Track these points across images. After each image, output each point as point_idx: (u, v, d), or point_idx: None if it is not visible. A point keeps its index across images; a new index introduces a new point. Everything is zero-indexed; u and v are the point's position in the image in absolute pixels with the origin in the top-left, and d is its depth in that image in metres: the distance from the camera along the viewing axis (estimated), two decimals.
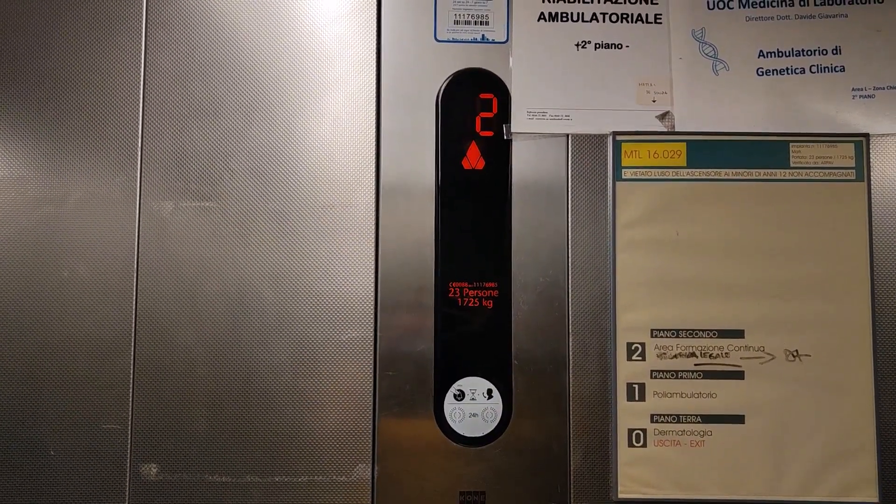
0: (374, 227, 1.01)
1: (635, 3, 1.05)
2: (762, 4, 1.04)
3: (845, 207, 1.00)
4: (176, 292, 0.99)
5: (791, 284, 0.99)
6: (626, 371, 0.99)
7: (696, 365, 0.99)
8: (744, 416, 0.98)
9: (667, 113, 1.03)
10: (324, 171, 1.01)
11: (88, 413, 0.98)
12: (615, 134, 1.02)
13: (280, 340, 0.99)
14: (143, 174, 1.02)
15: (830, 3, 1.04)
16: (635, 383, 0.99)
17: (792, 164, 1.01)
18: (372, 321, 0.99)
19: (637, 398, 0.99)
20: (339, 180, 1.01)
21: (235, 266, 1.00)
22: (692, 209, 1.01)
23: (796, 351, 0.99)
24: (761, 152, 1.01)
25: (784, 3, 1.04)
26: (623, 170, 1.02)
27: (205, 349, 0.99)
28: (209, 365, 0.98)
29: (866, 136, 1.01)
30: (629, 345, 0.99)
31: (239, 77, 1.02)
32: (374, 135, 1.02)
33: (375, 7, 1.04)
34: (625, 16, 1.04)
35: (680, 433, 0.98)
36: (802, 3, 1.04)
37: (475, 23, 1.04)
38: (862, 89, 1.02)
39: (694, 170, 1.01)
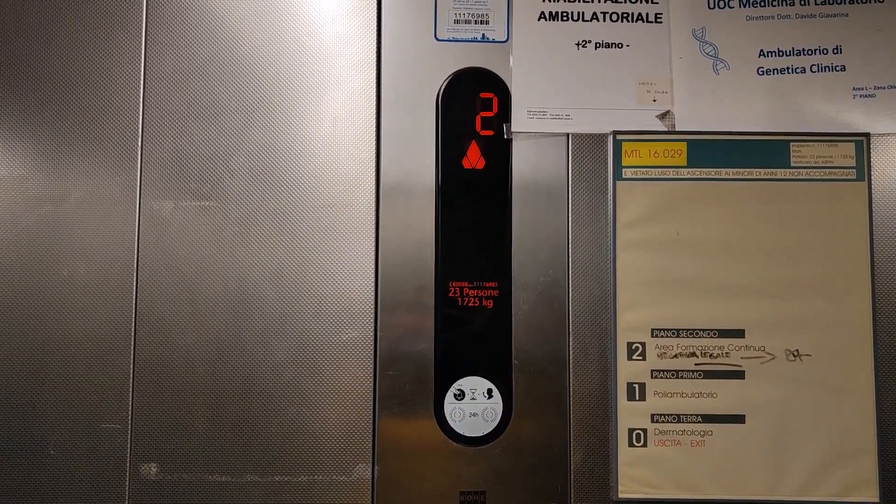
0: (374, 227, 1.01)
1: (636, 2, 1.05)
2: (763, 4, 1.04)
3: (846, 207, 1.00)
4: (176, 292, 0.99)
5: (791, 284, 0.99)
6: (627, 371, 0.99)
7: (696, 365, 0.99)
8: (744, 415, 0.98)
9: (667, 112, 1.03)
10: (324, 171, 1.01)
11: (88, 412, 0.98)
12: (615, 133, 1.02)
13: (280, 340, 0.99)
14: (143, 174, 1.02)
15: (831, 2, 1.04)
16: (636, 383, 0.99)
17: (792, 164, 1.01)
18: (372, 321, 0.99)
19: (637, 398, 0.99)
20: (340, 180, 1.01)
21: (235, 266, 1.00)
22: (692, 209, 1.01)
23: (797, 351, 0.99)
24: (762, 152, 1.01)
25: (785, 3, 1.04)
26: (623, 169, 1.02)
27: (205, 349, 0.99)
28: (209, 364, 0.98)
29: (867, 135, 1.01)
30: (629, 344, 0.99)
31: (239, 77, 1.02)
32: (374, 134, 1.02)
33: (375, 6, 1.04)
34: (625, 15, 1.04)
35: (680, 433, 0.98)
36: (803, 2, 1.04)
37: (475, 22, 1.04)
38: (862, 89, 1.02)
39: (694, 169, 1.01)
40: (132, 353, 0.99)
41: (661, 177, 1.01)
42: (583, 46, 1.03)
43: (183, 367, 0.98)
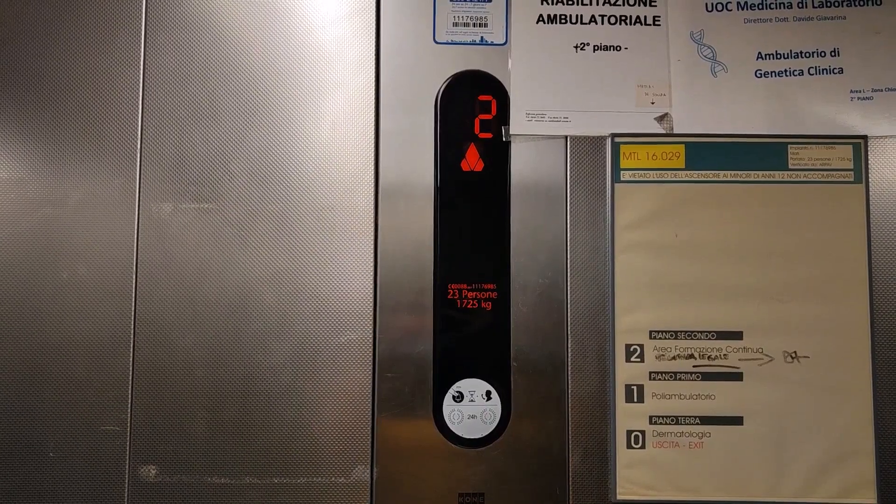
0: (373, 229, 1.01)
1: (634, 5, 1.05)
2: (760, 6, 1.04)
3: (844, 209, 1.00)
4: (175, 294, 0.99)
5: (789, 286, 0.99)
6: (625, 373, 0.99)
7: (694, 366, 0.99)
8: (742, 417, 0.98)
9: (665, 115, 1.03)
10: (323, 173, 1.02)
11: (87, 415, 0.98)
12: (614, 136, 1.02)
13: (279, 342, 0.99)
14: (142, 176, 1.02)
15: (829, 4, 1.04)
16: (634, 385, 0.99)
17: (790, 166, 1.01)
18: (371, 323, 1.00)
19: (636, 400, 0.99)
20: (339, 182, 1.01)
21: (235, 268, 1.00)
22: (691, 211, 1.01)
23: (795, 352, 0.99)
24: (760, 154, 1.02)
25: (782, 5, 1.04)
26: (622, 171, 1.02)
27: (204, 351, 0.99)
28: (208, 366, 0.99)
29: (865, 137, 1.02)
30: (628, 346, 0.99)
31: (238, 79, 1.03)
32: (373, 136, 1.02)
33: (374, 9, 1.04)
34: (623, 18, 1.05)
35: (678, 435, 0.98)
36: (801, 5, 1.04)
37: (474, 25, 1.04)
38: (860, 91, 1.03)
39: (692, 171, 1.02)
40: (131, 354, 0.99)
41: (660, 179, 1.02)
42: (581, 49, 1.04)
43: (182, 369, 0.98)
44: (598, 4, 1.05)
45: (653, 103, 1.03)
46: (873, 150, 1.02)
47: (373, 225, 1.01)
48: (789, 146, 1.02)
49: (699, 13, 1.05)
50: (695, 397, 0.99)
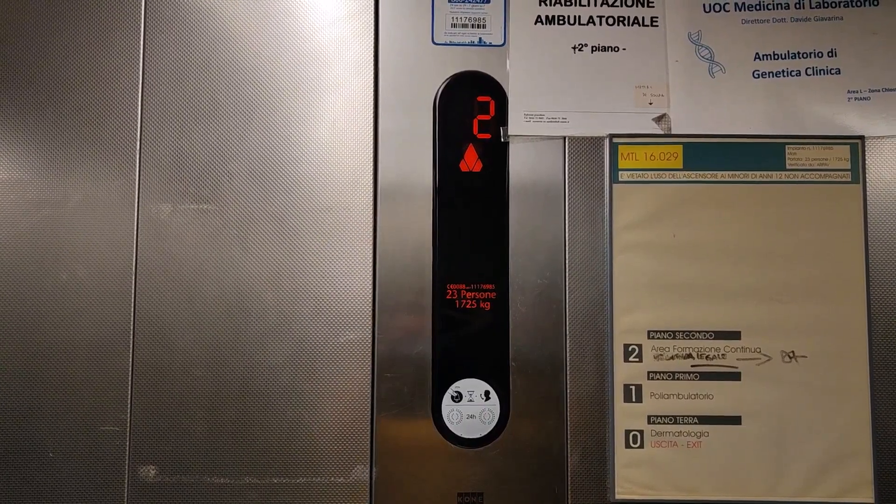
0: (371, 230, 1.01)
1: (632, 6, 1.05)
2: (758, 7, 1.05)
3: (841, 209, 1.01)
4: (175, 294, 1.00)
5: (787, 286, 1.00)
6: (624, 372, 0.99)
7: (692, 366, 0.99)
8: (740, 417, 0.98)
9: (663, 115, 1.03)
10: (322, 174, 1.02)
11: (87, 415, 0.98)
12: (612, 136, 1.02)
13: (278, 342, 0.99)
14: (141, 176, 1.02)
15: (826, 5, 1.04)
16: (632, 385, 0.99)
17: (788, 166, 1.02)
18: (370, 323, 1.00)
19: (634, 399, 0.99)
20: (338, 182, 1.02)
21: (234, 268, 1.00)
22: (689, 211, 1.01)
23: (792, 352, 0.99)
24: (757, 154, 1.02)
25: (780, 6, 1.05)
26: (620, 172, 1.02)
27: (203, 351, 0.99)
28: (208, 367, 0.99)
29: (862, 138, 1.02)
30: (626, 346, 1.00)
31: (238, 79, 1.03)
32: (371, 137, 1.02)
33: (373, 10, 1.04)
34: (621, 19, 1.05)
35: (677, 434, 0.98)
36: (798, 5, 1.05)
37: (472, 26, 1.04)
38: (857, 91, 1.03)
39: (690, 172, 1.02)
40: (131, 355, 0.99)
41: (658, 179, 1.02)
42: (579, 50, 1.04)
43: (181, 370, 0.99)
44: (596, 5, 1.05)
45: (651, 104, 1.03)
46: (870, 151, 1.02)
47: (372, 225, 1.01)
48: (787, 146, 1.02)
49: (697, 14, 1.05)
50: (693, 397, 0.99)
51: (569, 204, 1.02)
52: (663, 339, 1.00)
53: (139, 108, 1.03)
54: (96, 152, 1.02)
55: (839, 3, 1.04)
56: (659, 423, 0.99)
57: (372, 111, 1.03)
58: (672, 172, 1.02)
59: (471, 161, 1.03)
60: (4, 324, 1.00)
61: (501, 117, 1.03)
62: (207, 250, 1.00)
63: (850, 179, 1.01)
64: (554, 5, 1.05)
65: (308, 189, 1.01)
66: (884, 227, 1.01)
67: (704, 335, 1.00)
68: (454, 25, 1.04)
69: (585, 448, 0.99)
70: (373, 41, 1.04)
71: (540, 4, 1.05)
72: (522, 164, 1.03)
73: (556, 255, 1.02)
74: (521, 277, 1.01)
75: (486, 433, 0.99)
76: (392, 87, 1.03)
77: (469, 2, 1.04)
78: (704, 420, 0.99)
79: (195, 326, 0.99)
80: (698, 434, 0.98)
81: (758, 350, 0.99)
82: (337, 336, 0.99)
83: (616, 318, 1.00)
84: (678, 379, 0.99)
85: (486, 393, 1.00)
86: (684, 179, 1.02)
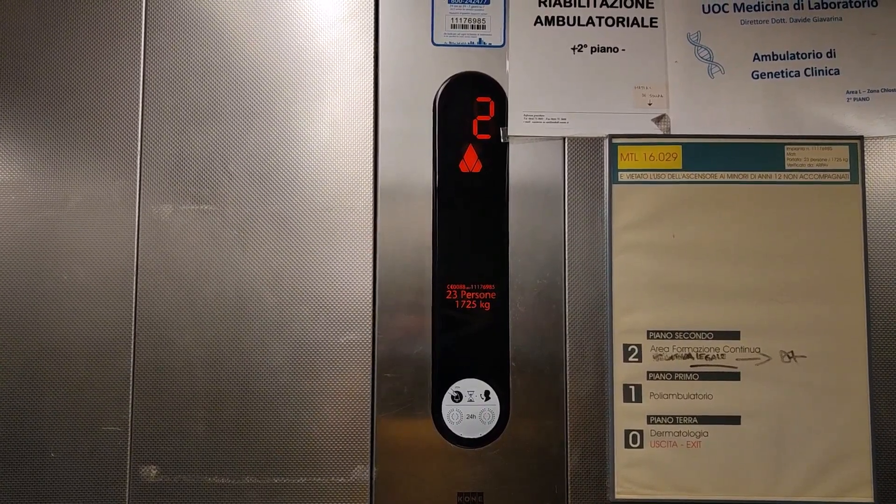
0: (371, 230, 1.01)
1: (631, 7, 1.05)
2: (757, 8, 1.05)
3: (840, 209, 1.01)
4: (175, 295, 1.00)
5: (786, 286, 1.00)
6: (623, 372, 0.99)
7: (692, 366, 1.00)
8: (739, 416, 0.98)
9: (663, 116, 1.03)
10: (322, 174, 1.02)
11: (88, 415, 0.99)
12: (611, 137, 1.03)
13: (279, 342, 0.99)
14: (142, 178, 1.02)
15: (825, 6, 1.04)
16: (632, 384, 0.99)
17: (787, 167, 1.02)
18: (370, 323, 1.00)
19: (634, 399, 0.99)
20: (338, 183, 1.02)
21: (234, 269, 1.01)
22: (688, 211, 1.01)
23: (792, 352, 0.99)
24: (756, 155, 1.02)
25: (779, 7, 1.05)
26: (619, 172, 1.02)
27: (204, 351, 0.99)
28: (209, 367, 0.99)
29: (861, 138, 1.02)
30: (626, 346, 1.00)
31: (238, 81, 1.03)
32: (371, 138, 1.03)
33: (373, 11, 1.04)
34: (621, 20, 1.05)
35: (676, 434, 0.98)
36: (797, 6, 1.05)
37: (472, 27, 1.04)
38: (856, 92, 1.03)
39: (689, 172, 1.02)
40: (132, 355, 0.99)
41: (657, 180, 1.02)
42: (579, 51, 1.04)
43: (182, 370, 0.99)
44: (595, 6, 1.05)
45: (650, 104, 1.03)
46: (869, 151, 1.03)
47: (372, 226, 1.01)
48: (786, 147, 1.02)
49: (696, 15, 1.05)
50: (692, 397, 0.99)
51: (568, 204, 1.02)
52: (663, 339, 1.00)
53: (140, 109, 1.03)
54: (97, 153, 1.02)
55: (838, 3, 1.04)
56: (658, 423, 0.99)
57: (372, 112, 1.03)
58: (671, 173, 1.02)
59: (470, 161, 1.03)
60: (6, 324, 1.00)
61: (501, 118, 1.03)
62: (208, 251, 1.01)
63: (849, 180, 1.02)
64: (553, 6, 1.05)
65: (308, 189, 1.02)
66: (883, 228, 1.01)
67: (704, 335, 1.00)
68: (454, 26, 1.04)
69: (585, 448, 0.99)
70: (373, 42, 1.04)
71: (539, 5, 1.05)
72: (522, 165, 1.03)
73: (556, 256, 1.02)
74: (520, 277, 1.01)
75: (486, 433, 1.00)
76: (392, 87, 1.03)
77: (469, 3, 1.05)
78: (704, 420, 0.99)
79: (196, 326, 0.99)
80: (698, 434, 0.99)
81: (757, 350, 0.99)
82: (337, 336, 1.00)
83: (616, 318, 1.00)
84: (678, 379, 0.99)
85: (486, 393, 1.00)
86: (683, 180, 1.02)
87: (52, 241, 1.01)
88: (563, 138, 1.03)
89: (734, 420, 0.99)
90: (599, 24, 1.05)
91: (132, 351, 0.99)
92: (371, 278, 1.01)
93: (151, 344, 0.99)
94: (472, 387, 1.00)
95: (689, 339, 1.00)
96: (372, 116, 1.03)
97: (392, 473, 0.99)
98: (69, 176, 1.02)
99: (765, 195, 1.01)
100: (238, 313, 1.00)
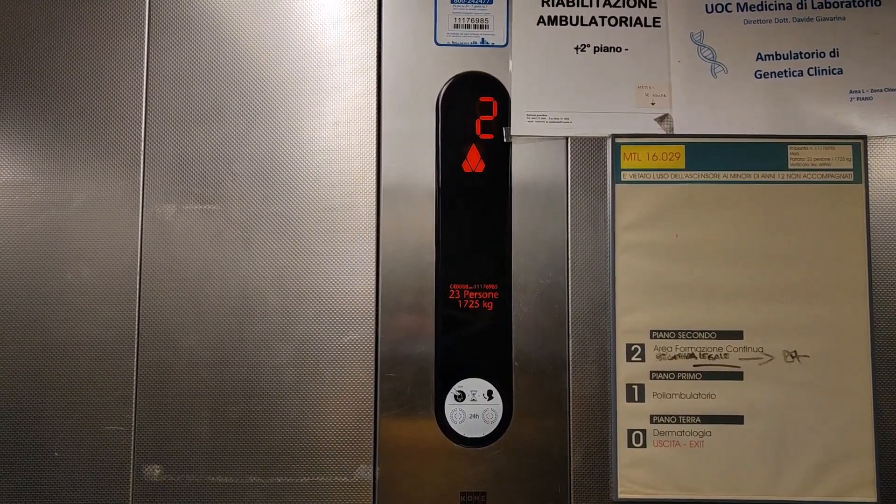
0: (374, 230, 1.01)
1: (634, 6, 1.05)
2: (760, 7, 1.05)
3: (843, 209, 1.01)
4: (179, 295, 1.00)
5: (789, 286, 1.00)
6: (626, 372, 1.00)
7: (695, 366, 1.00)
8: (743, 416, 0.98)
9: (665, 115, 1.03)
10: (325, 174, 1.02)
11: (92, 415, 0.99)
12: (614, 136, 1.03)
13: (282, 342, 1.00)
14: (145, 177, 1.02)
15: (828, 5, 1.04)
16: (635, 384, 1.00)
17: (790, 166, 1.02)
18: (373, 323, 1.00)
19: (636, 399, 0.99)
20: (341, 183, 1.02)
21: (238, 268, 1.01)
22: (691, 211, 1.01)
23: (795, 352, 0.99)
24: (759, 154, 1.02)
25: (782, 6, 1.05)
26: (622, 172, 1.02)
27: (208, 351, 0.99)
28: (212, 367, 0.99)
29: (864, 138, 1.02)
30: (629, 346, 1.00)
31: (241, 81, 1.03)
32: (374, 138, 1.03)
33: (376, 11, 1.04)
34: (623, 19, 1.05)
35: (679, 434, 0.99)
36: (800, 6, 1.05)
37: (475, 26, 1.04)
38: (860, 91, 1.03)
39: (692, 172, 1.02)
40: (135, 355, 0.99)
41: (660, 180, 1.02)
42: (582, 50, 1.04)
43: (186, 370, 0.99)
44: (598, 6, 1.05)
45: (653, 104, 1.03)
46: (872, 151, 1.03)
47: (374, 226, 1.01)
48: (789, 146, 1.02)
49: (699, 14, 1.05)
50: (695, 396, 0.99)
51: (571, 204, 1.02)
52: (666, 338, 1.00)
53: (143, 109, 1.03)
54: (101, 153, 1.02)
55: (841, 3, 1.04)
56: (661, 422, 0.99)
57: (375, 112, 1.03)
58: (674, 172, 1.02)
59: (473, 161, 1.03)
60: (10, 324, 1.00)
61: (504, 118, 1.03)
62: (211, 251, 1.01)
63: (852, 179, 1.02)
64: (556, 6, 1.05)
65: (311, 190, 1.02)
66: (886, 227, 1.01)
67: (707, 335, 1.00)
68: (457, 26, 1.04)
69: (588, 447, 0.99)
70: (375, 42, 1.04)
71: (542, 5, 1.05)
72: (525, 165, 1.03)
73: (559, 255, 1.02)
74: (523, 277, 1.02)
75: (488, 432, 1.00)
76: (395, 87, 1.03)
77: (472, 2, 1.05)
78: (707, 419, 0.99)
79: (199, 326, 1.00)
80: (701, 433, 0.99)
81: (760, 350, 0.99)
82: (340, 336, 1.00)
83: (618, 317, 1.00)
84: (681, 378, 0.99)
85: (489, 392, 1.00)
86: (686, 179, 1.02)
87: (56, 241, 1.01)
88: (566, 138, 1.03)
89: (737, 420, 0.99)
90: (602, 24, 1.05)
91: (136, 350, 0.99)
92: (374, 278, 1.01)
93: (155, 343, 0.99)
94: (474, 386, 1.00)
95: (692, 338, 1.00)
96: (375, 116, 1.03)
97: (395, 473, 0.99)
98: (73, 176, 1.02)
99: (768, 195, 1.01)
100: (242, 313, 1.00)
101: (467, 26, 1.04)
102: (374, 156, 1.02)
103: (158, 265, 1.01)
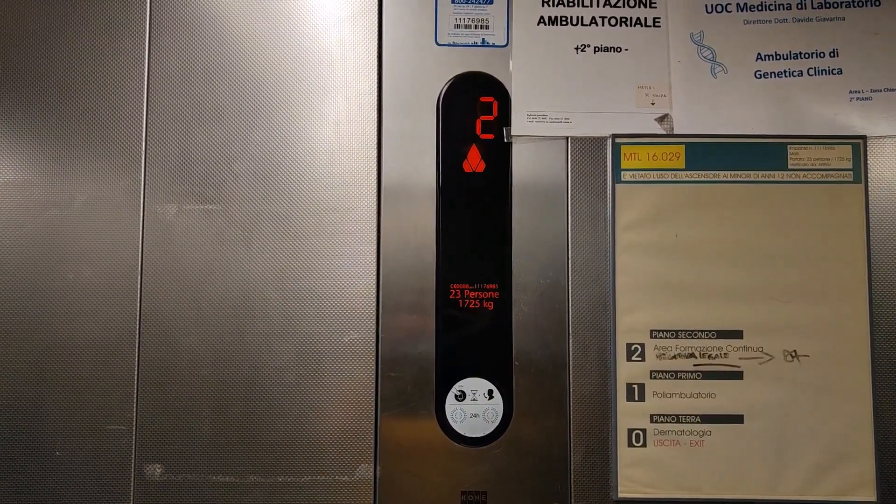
0: (375, 230, 1.02)
1: (634, 6, 1.05)
2: (760, 8, 1.05)
3: (843, 209, 1.01)
4: (180, 294, 1.00)
5: (789, 285, 1.00)
6: (626, 372, 1.00)
7: (695, 365, 1.00)
8: (743, 415, 0.99)
9: (665, 115, 1.04)
10: (326, 174, 1.02)
11: (93, 414, 0.99)
12: (614, 136, 1.03)
13: (283, 342, 1.00)
14: (147, 177, 1.03)
15: (828, 6, 1.05)
16: (635, 384, 1.00)
17: (790, 166, 1.02)
18: (374, 323, 1.00)
19: (637, 398, 0.99)
20: (342, 183, 1.02)
21: (238, 268, 1.01)
22: (691, 211, 1.01)
23: (794, 351, 0.99)
24: (759, 154, 1.02)
25: (781, 7, 1.05)
26: (622, 172, 1.02)
27: (209, 351, 1.00)
28: (213, 366, 0.99)
29: (864, 138, 1.02)
30: (629, 345, 1.00)
31: (242, 81, 1.03)
32: (375, 138, 1.03)
33: (377, 11, 1.05)
34: (624, 19, 1.05)
35: (679, 433, 0.99)
36: (800, 6, 1.05)
37: (475, 27, 1.05)
38: (859, 92, 1.03)
39: (692, 172, 1.02)
40: (136, 355, 1.00)
41: (660, 179, 1.02)
42: (582, 51, 1.04)
43: (187, 369, 0.99)
44: (598, 6, 1.05)
45: (653, 104, 1.04)
46: (872, 151, 1.03)
47: (375, 225, 1.02)
48: (789, 146, 1.02)
49: (699, 14, 1.05)
50: (695, 396, 0.99)
51: (571, 204, 1.03)
52: (666, 338, 1.00)
53: (144, 109, 1.03)
54: (102, 153, 1.03)
55: (841, 3, 1.05)
56: (662, 422, 0.99)
57: (375, 112, 1.03)
58: (674, 172, 1.02)
59: (474, 161, 1.03)
60: (12, 323, 1.00)
61: (504, 118, 1.04)
62: (212, 250, 1.01)
63: (851, 179, 1.02)
64: (556, 6, 1.05)
65: (312, 189, 1.02)
66: (886, 227, 1.01)
67: (707, 334, 1.00)
68: (457, 26, 1.04)
69: (588, 447, 0.99)
70: (376, 42, 1.04)
71: (543, 5, 1.05)
72: (525, 165, 1.03)
73: (559, 255, 1.02)
74: (523, 277, 1.02)
75: (489, 432, 1.00)
76: (395, 87, 1.04)
77: (472, 3, 1.05)
78: (707, 419, 0.99)
79: (200, 326, 1.00)
80: (701, 433, 0.99)
81: (760, 349, 1.00)
82: (341, 336, 1.00)
83: (618, 317, 1.00)
84: (681, 378, 1.00)
85: (490, 392, 1.00)
86: (686, 179, 1.02)
87: (58, 241, 1.01)
88: (567, 138, 1.03)
89: (737, 419, 0.99)
90: (602, 24, 1.05)
91: (137, 350, 1.00)
92: (375, 278, 1.01)
93: (156, 343, 1.00)
94: (475, 386, 1.01)
95: (692, 338, 1.00)
96: (375, 116, 1.03)
97: (396, 472, 0.99)
98: (74, 175, 1.02)
99: (767, 195, 1.01)
100: (243, 313, 1.00)
101: (468, 26, 1.05)
102: (375, 156, 1.03)
103: (159, 265, 1.01)
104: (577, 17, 1.05)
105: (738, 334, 1.00)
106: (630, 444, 0.99)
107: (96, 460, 0.99)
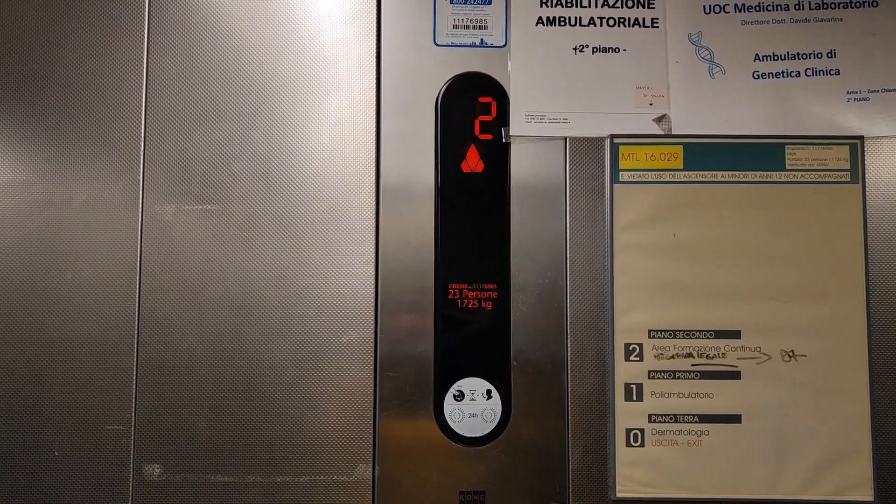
0: (374, 230, 1.02)
1: (632, 7, 1.06)
2: (758, 8, 1.05)
3: (840, 209, 1.01)
4: (179, 294, 1.00)
5: (787, 285, 1.00)
6: (624, 371, 1.00)
7: (693, 365, 1.00)
8: (740, 415, 0.99)
9: (664, 116, 1.04)
10: (325, 175, 1.02)
11: (92, 414, 0.99)
12: (613, 137, 1.03)
13: (282, 342, 1.00)
14: (145, 177, 1.03)
15: (825, 7, 1.05)
16: (633, 384, 1.00)
17: (787, 167, 1.02)
18: (372, 322, 1.00)
19: (635, 398, 1.00)
20: (340, 183, 1.02)
21: (237, 268, 1.01)
22: (689, 211, 1.02)
23: (792, 351, 1.00)
24: (757, 154, 1.02)
25: (779, 7, 1.05)
26: (621, 172, 1.03)
27: (207, 350, 1.00)
28: (212, 366, 0.99)
29: (861, 138, 1.02)
30: (627, 345, 1.00)
31: (241, 81, 1.03)
32: (374, 138, 1.03)
33: (375, 12, 1.05)
34: (622, 20, 1.05)
35: (677, 433, 0.99)
36: (797, 7, 1.05)
37: (474, 27, 1.05)
38: (857, 92, 1.03)
39: (690, 172, 1.02)
40: (135, 355, 1.00)
41: (658, 180, 1.02)
42: (580, 51, 1.05)
43: (185, 369, 0.99)
44: (596, 7, 1.06)
45: (651, 104, 1.04)
46: (869, 151, 1.03)
47: (374, 226, 1.02)
48: (786, 147, 1.03)
49: (697, 15, 1.05)
50: (693, 396, 1.00)
51: (570, 204, 1.03)
52: (664, 338, 1.00)
53: (143, 109, 1.03)
54: (101, 153, 1.03)
55: (838, 4, 1.05)
56: (660, 421, 0.99)
57: (374, 112, 1.03)
58: (672, 173, 1.02)
59: (472, 161, 1.03)
60: (10, 323, 1.00)
61: (503, 118, 1.04)
62: (211, 250, 1.01)
63: (849, 179, 1.02)
64: (555, 7, 1.05)
65: (311, 190, 1.02)
66: (883, 227, 1.02)
67: (705, 334, 1.00)
68: (456, 27, 1.05)
69: (586, 446, 1.00)
70: (375, 43, 1.04)
71: (541, 6, 1.05)
72: (524, 165, 1.03)
73: (557, 255, 1.02)
74: (522, 277, 1.02)
75: (487, 432, 1.00)
76: (394, 88, 1.04)
77: (471, 3, 1.05)
78: (705, 419, 0.99)
79: (199, 326, 1.00)
80: (699, 433, 0.99)
81: (758, 349, 1.00)
82: (340, 335, 1.00)
83: (617, 317, 1.00)
84: (679, 378, 1.00)
85: (488, 392, 1.01)
86: (684, 180, 1.02)
87: (56, 241, 1.01)
88: (565, 138, 1.04)
89: (735, 419, 0.99)
90: (601, 25, 1.05)
91: (135, 349, 1.00)
92: (373, 278, 1.01)
93: (155, 343, 1.00)
94: (473, 386, 1.01)
95: (690, 338, 1.00)
96: (374, 116, 1.03)
97: (394, 472, 0.99)
98: (73, 175, 1.02)
99: (765, 195, 1.02)
100: (242, 312, 1.00)
101: (466, 27, 1.05)
102: (374, 156, 1.03)
103: (158, 264, 1.01)
104: (576, 18, 1.05)
105: (735, 334, 1.00)
106: (628, 444, 0.99)
107: (95, 460, 0.99)
